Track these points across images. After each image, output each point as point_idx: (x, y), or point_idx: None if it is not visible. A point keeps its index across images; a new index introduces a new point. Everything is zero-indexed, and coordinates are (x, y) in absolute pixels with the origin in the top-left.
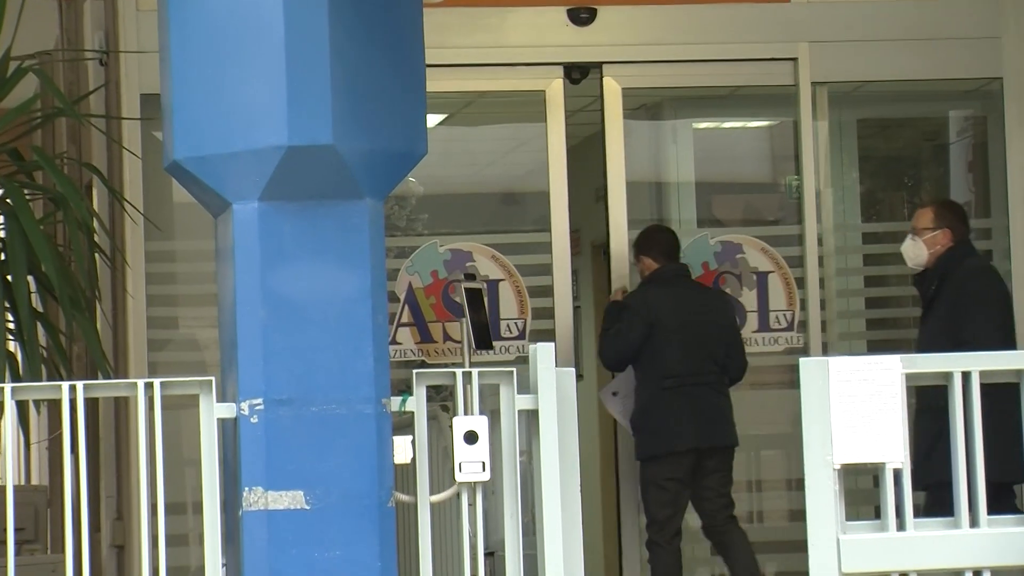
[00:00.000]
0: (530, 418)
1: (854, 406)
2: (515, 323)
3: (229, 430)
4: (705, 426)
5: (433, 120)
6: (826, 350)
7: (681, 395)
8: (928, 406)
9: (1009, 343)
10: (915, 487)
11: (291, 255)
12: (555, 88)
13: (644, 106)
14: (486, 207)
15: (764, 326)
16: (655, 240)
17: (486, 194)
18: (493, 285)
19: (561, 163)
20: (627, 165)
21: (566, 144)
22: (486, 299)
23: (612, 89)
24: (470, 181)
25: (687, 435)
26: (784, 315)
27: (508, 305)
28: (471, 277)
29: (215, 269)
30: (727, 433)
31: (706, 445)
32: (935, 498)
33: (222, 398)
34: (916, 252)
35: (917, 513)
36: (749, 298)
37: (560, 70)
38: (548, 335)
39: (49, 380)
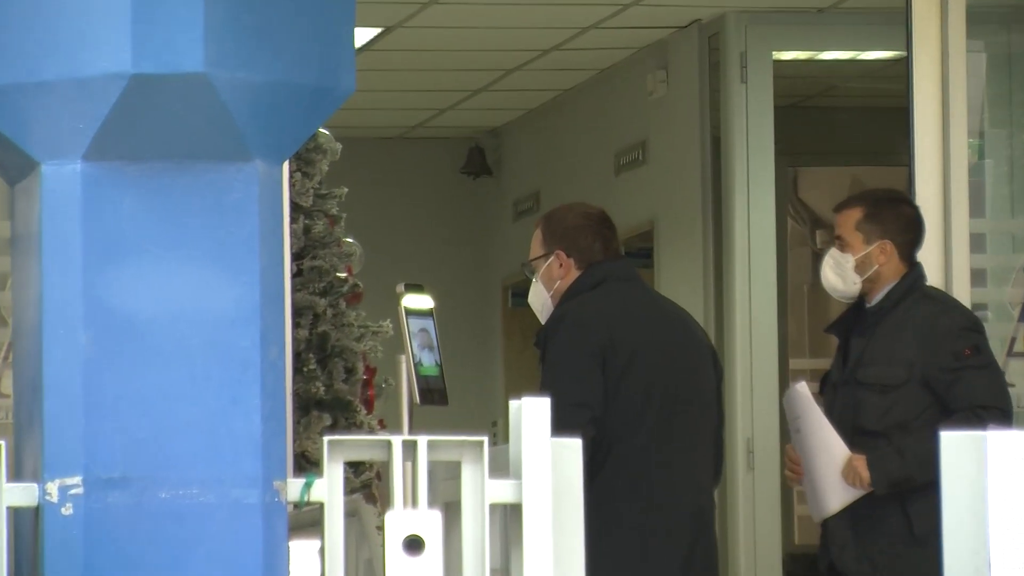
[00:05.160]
0: (509, 516)
1: (1022, 502)
2: None
3: (27, 526)
4: None
5: (365, 35)
6: None
7: None
8: None
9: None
10: None
11: (132, 247)
12: None
13: (698, 21)
14: None
15: None
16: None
17: None
18: None
19: None
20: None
21: None
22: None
23: None
24: None
25: None
26: None
27: None
28: (416, 287)
29: (10, 268)
30: None
31: None
32: None
33: (15, 475)
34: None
35: None
36: None
37: None
38: None
39: None
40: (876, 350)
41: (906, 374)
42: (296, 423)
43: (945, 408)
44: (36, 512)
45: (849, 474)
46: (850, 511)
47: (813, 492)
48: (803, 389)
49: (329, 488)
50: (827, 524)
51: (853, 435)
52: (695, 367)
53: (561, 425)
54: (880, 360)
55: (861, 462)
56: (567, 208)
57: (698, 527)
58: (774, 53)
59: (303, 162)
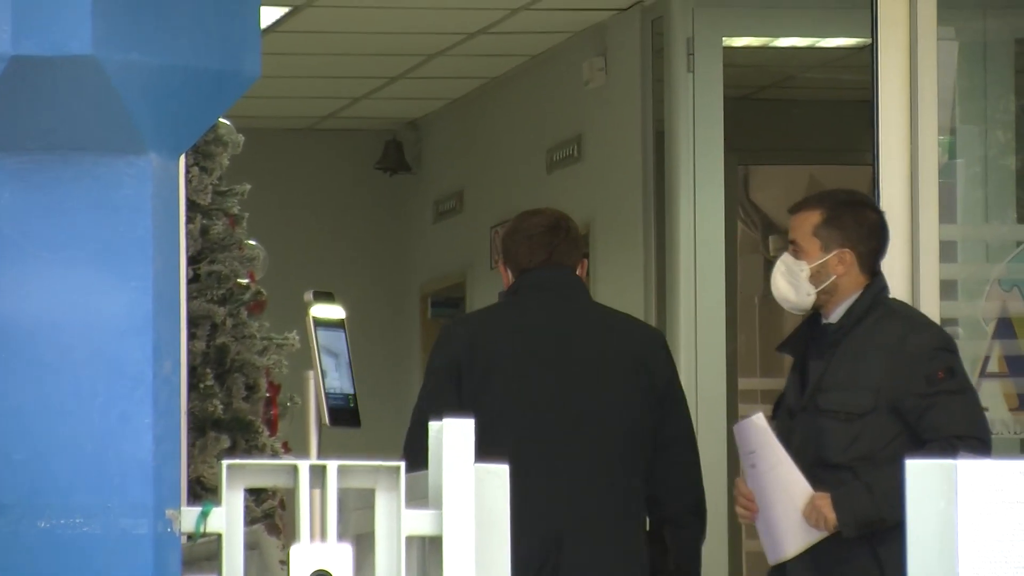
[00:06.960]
0: (428, 550)
1: (994, 538)
2: None
3: None
4: None
5: (271, 15)
6: None
7: None
8: None
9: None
10: None
11: (11, 248)
12: None
13: (640, 3)
14: None
15: None
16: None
17: None
18: None
19: None
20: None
21: None
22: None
23: None
24: None
25: None
26: None
27: None
28: (326, 296)
29: None
30: None
31: None
32: None
33: None
34: None
35: None
36: None
37: None
38: None
39: None
40: (838, 373)
41: (872, 400)
42: (191, 445)
43: (916, 438)
44: None
45: (812, 514)
46: (812, 553)
47: (769, 534)
48: (760, 421)
49: (227, 518)
50: (784, 567)
51: (814, 468)
52: (593, 383)
53: (407, 443)
54: (843, 385)
55: (825, 501)
56: (520, 213)
57: (551, 552)
58: (724, 39)
59: (201, 155)
